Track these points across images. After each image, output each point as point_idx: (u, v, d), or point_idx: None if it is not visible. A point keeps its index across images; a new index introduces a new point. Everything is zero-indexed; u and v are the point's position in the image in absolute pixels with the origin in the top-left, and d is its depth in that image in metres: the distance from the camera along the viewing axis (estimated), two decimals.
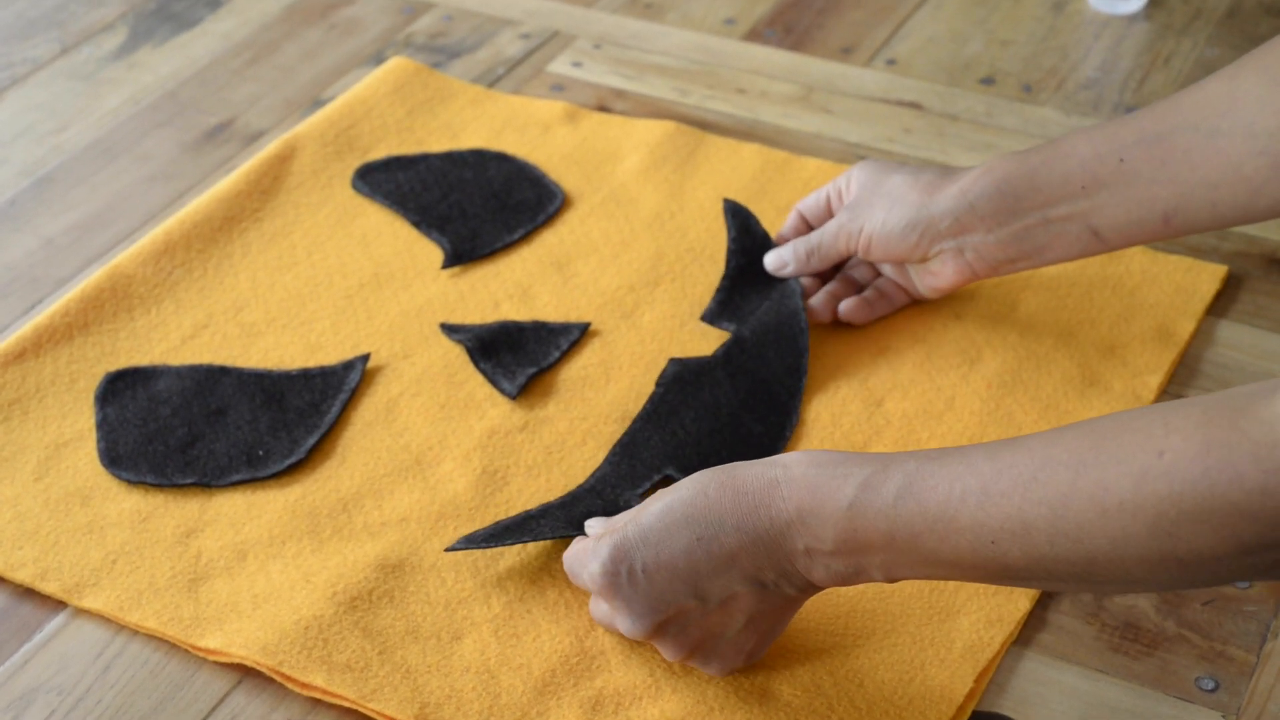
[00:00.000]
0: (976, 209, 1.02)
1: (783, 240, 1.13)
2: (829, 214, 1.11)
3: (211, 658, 0.90)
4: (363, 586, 0.93)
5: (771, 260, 1.12)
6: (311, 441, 1.02)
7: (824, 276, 1.12)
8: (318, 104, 1.35)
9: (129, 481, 1.00)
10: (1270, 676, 0.88)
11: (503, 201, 1.21)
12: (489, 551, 0.95)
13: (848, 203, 1.08)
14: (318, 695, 0.88)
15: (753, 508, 0.81)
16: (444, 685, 0.88)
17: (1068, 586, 0.75)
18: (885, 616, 0.91)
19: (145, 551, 0.96)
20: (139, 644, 0.92)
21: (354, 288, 1.15)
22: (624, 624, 0.85)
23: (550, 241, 1.19)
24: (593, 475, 0.99)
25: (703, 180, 1.23)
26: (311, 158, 1.26)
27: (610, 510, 0.95)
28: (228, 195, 1.21)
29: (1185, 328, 1.09)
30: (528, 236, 1.19)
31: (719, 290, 1.12)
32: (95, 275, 1.14)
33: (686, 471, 0.96)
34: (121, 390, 1.06)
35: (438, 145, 1.28)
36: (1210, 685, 0.88)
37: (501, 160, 1.25)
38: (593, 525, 0.90)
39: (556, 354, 1.08)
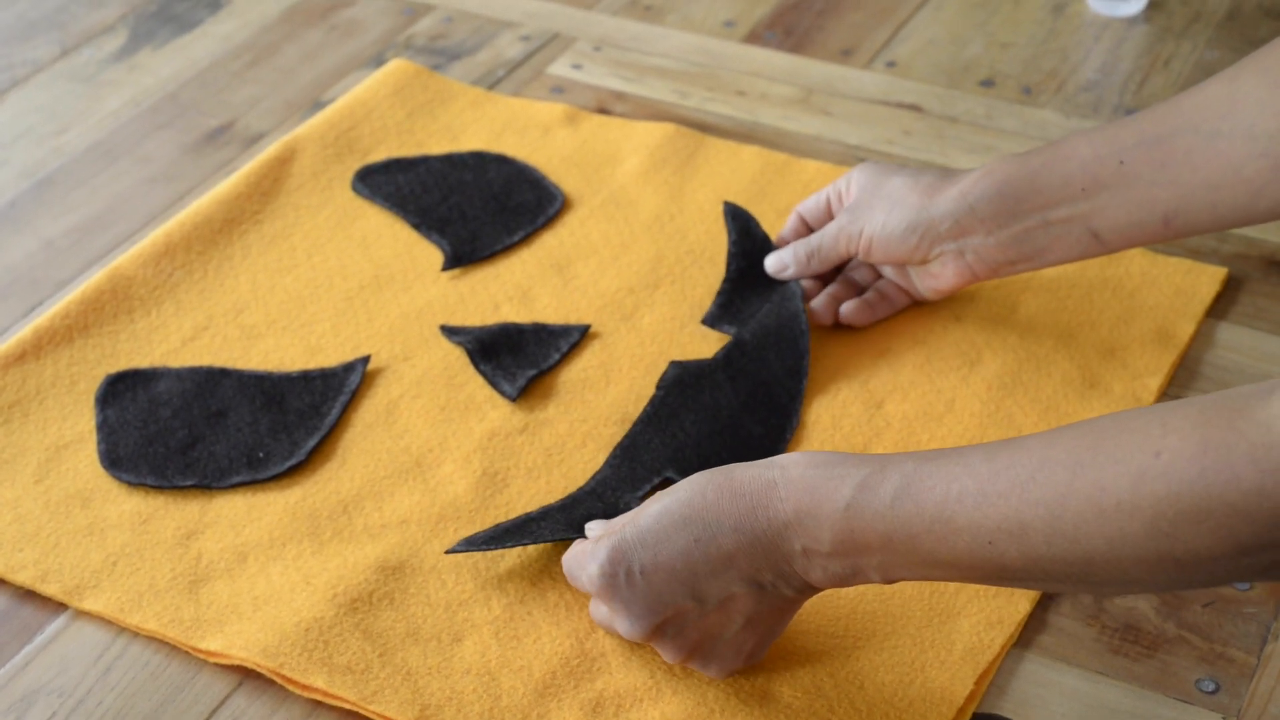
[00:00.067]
0: (977, 211, 1.02)
1: (783, 243, 1.13)
2: (829, 216, 1.11)
3: (212, 660, 0.90)
4: (363, 588, 0.93)
5: (772, 263, 1.12)
6: (312, 443, 1.02)
7: (824, 279, 1.12)
8: (318, 106, 1.35)
9: (129, 483, 1.00)
10: (1270, 678, 0.88)
11: (503, 204, 1.21)
12: (489, 554, 0.95)
13: (848, 205, 1.08)
14: (318, 697, 0.88)
15: (750, 509, 0.81)
16: (445, 687, 0.88)
17: (1066, 587, 0.76)
18: (885, 618, 0.91)
19: (146, 553, 0.96)
20: (139, 646, 0.92)
21: (354, 290, 1.15)
22: (623, 625, 0.85)
23: (550, 244, 1.19)
24: (593, 478, 0.99)
25: (702, 182, 1.23)
26: (312, 160, 1.26)
27: (610, 513, 0.95)
28: (228, 197, 1.21)
29: (1185, 330, 1.09)
30: (528, 239, 1.19)
31: (720, 293, 1.12)
32: (95, 277, 1.14)
33: (687, 474, 0.96)
34: (122, 392, 1.06)
35: (438, 147, 1.28)
36: (1210, 687, 0.88)
37: (501, 162, 1.26)
38: (593, 528, 0.90)
39: (556, 356, 1.08)
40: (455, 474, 1.00)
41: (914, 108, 1.33)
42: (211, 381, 1.07)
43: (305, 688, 0.88)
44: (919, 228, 1.04)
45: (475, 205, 1.21)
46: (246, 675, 0.90)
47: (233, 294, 1.14)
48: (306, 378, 1.07)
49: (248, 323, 1.12)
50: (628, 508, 0.95)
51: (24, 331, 1.10)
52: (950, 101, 1.33)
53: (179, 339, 1.11)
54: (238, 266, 1.17)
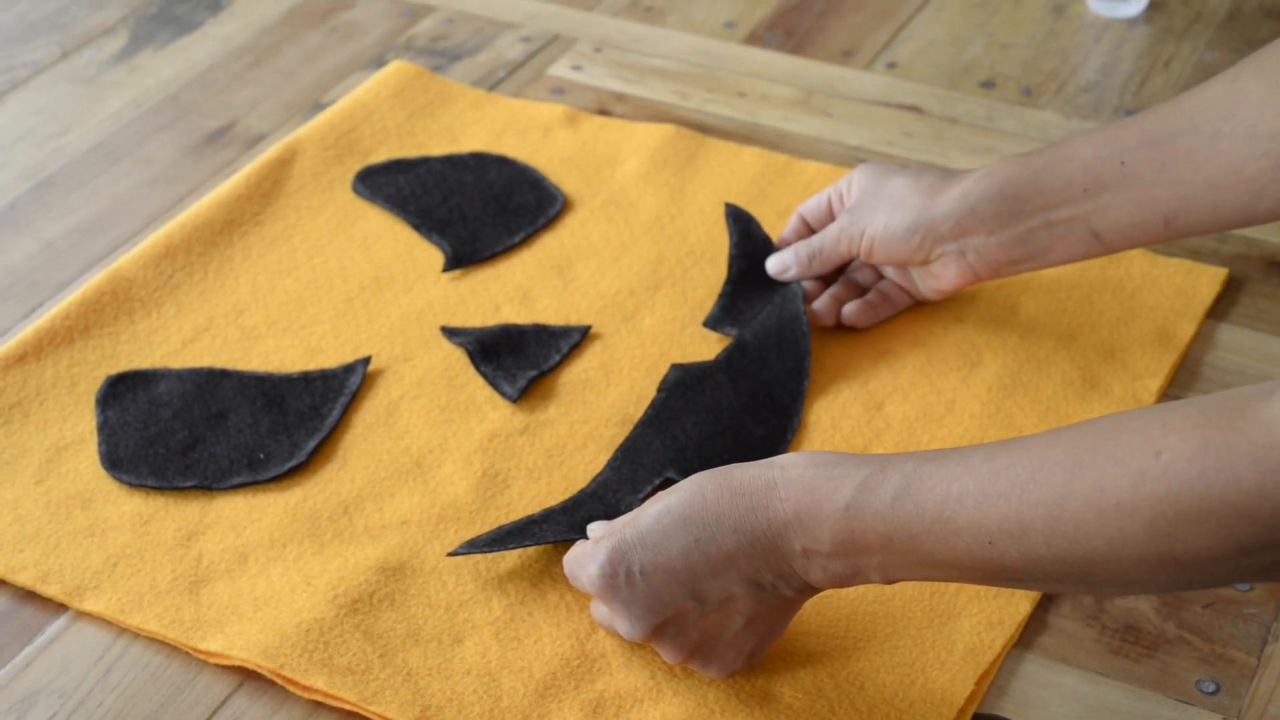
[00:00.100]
0: (978, 212, 1.02)
1: (784, 244, 1.14)
2: (830, 217, 1.11)
3: (213, 660, 0.90)
4: (364, 589, 0.93)
5: (773, 264, 1.12)
6: (312, 444, 1.02)
7: (826, 279, 1.12)
8: (318, 107, 1.35)
9: (130, 484, 1.00)
10: (1271, 679, 0.88)
11: (503, 205, 1.21)
12: (490, 555, 0.95)
13: (849, 206, 1.08)
14: (319, 698, 0.88)
15: (750, 509, 0.81)
16: (445, 688, 0.88)
17: (1066, 588, 0.76)
18: (886, 619, 0.91)
19: (146, 554, 0.96)
20: (140, 647, 0.92)
21: (354, 291, 1.15)
22: (623, 626, 0.85)
23: (551, 245, 1.19)
24: (594, 479, 0.99)
25: (703, 184, 1.23)
26: (312, 161, 1.26)
27: (612, 514, 0.95)
28: (228, 199, 1.21)
29: (1185, 331, 1.09)
30: (528, 240, 1.19)
31: (721, 295, 1.12)
32: (96, 278, 1.14)
33: (688, 474, 0.96)
34: (122, 393, 1.06)
35: (438, 148, 1.28)
36: (1211, 688, 0.88)
37: (502, 163, 1.26)
38: (594, 529, 0.90)
39: (557, 357, 1.08)
40: (456, 475, 1.00)
41: (914, 109, 1.33)
42: (212, 383, 1.07)
43: (306, 689, 0.88)
44: (920, 228, 1.04)
45: (476, 206, 1.21)
46: (247, 676, 0.90)
47: (233, 295, 1.14)
48: (307, 379, 1.07)
49: (248, 324, 1.12)
50: (629, 509, 0.95)
51: (24, 333, 1.10)
52: (950, 103, 1.33)
53: (179, 340, 1.11)
54: (238, 268, 1.17)
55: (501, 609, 0.92)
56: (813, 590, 0.83)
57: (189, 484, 1.00)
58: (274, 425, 1.04)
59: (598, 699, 0.87)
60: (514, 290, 1.15)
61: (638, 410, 1.04)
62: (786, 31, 1.43)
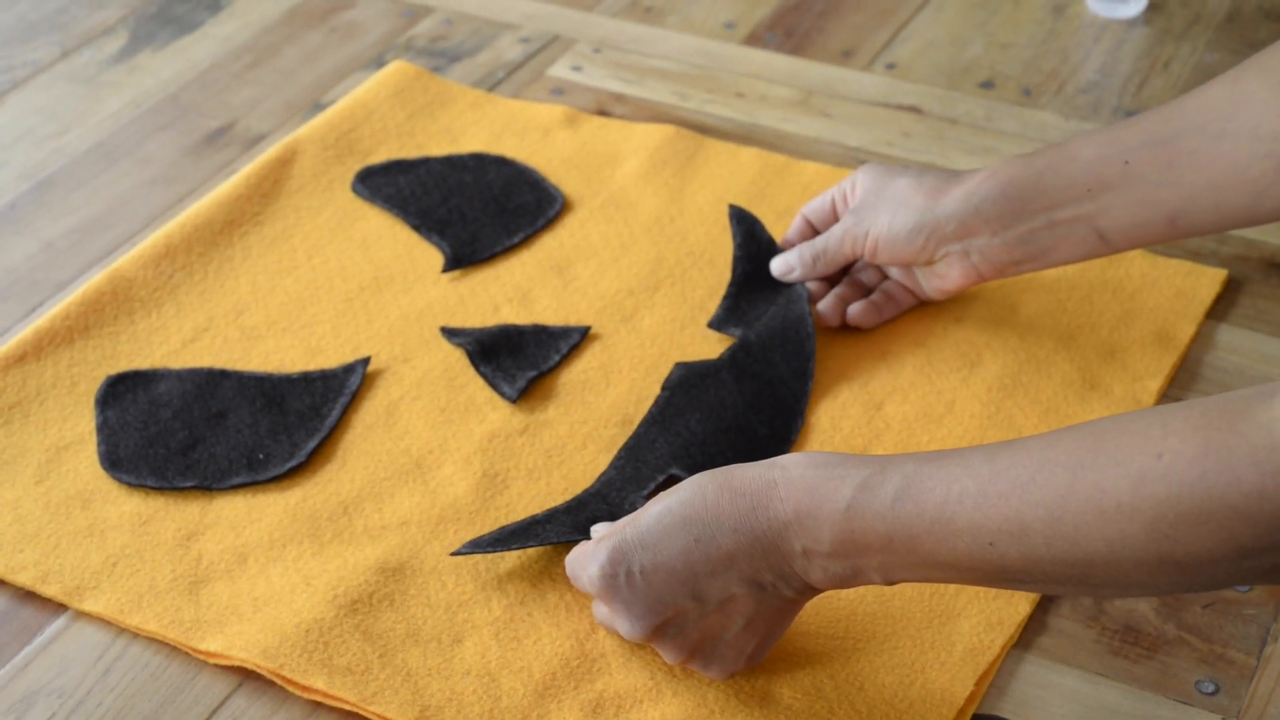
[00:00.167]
0: (982, 212, 1.02)
1: (788, 245, 1.13)
2: (834, 217, 1.11)
3: (212, 660, 0.90)
4: (363, 589, 0.93)
5: (777, 265, 1.12)
6: (312, 445, 1.02)
7: (830, 280, 1.12)
8: (318, 108, 1.35)
9: (129, 484, 1.00)
10: (1270, 680, 0.88)
11: (503, 205, 1.21)
12: (489, 555, 0.95)
13: (853, 206, 1.08)
14: (318, 698, 0.88)
15: (750, 509, 0.81)
16: (445, 688, 0.88)
17: (1066, 589, 0.76)
18: (886, 620, 0.91)
19: (146, 554, 0.96)
20: (139, 647, 0.92)
21: (354, 291, 1.15)
22: (623, 626, 0.85)
23: (550, 245, 1.19)
24: (598, 479, 0.99)
25: (702, 184, 1.23)
26: (312, 161, 1.26)
27: (616, 514, 0.95)
28: (228, 199, 1.21)
29: (1185, 331, 1.09)
30: (528, 240, 1.19)
31: (726, 296, 1.12)
32: (96, 278, 1.14)
33: (692, 471, 0.96)
34: (122, 393, 1.06)
35: (438, 149, 1.28)
36: (1210, 688, 0.88)
37: (501, 164, 1.26)
38: (598, 530, 0.90)
39: (556, 357, 1.08)
40: (455, 475, 1.00)
41: (914, 109, 1.33)
42: (212, 383, 1.07)
43: (305, 689, 0.88)
44: (924, 229, 1.04)
45: (475, 207, 1.21)
46: (246, 676, 0.90)
47: (233, 295, 1.14)
48: (307, 379, 1.07)
49: (248, 324, 1.12)
50: (633, 508, 0.95)
51: (24, 332, 1.10)
52: (950, 103, 1.33)
53: (179, 340, 1.11)
54: (238, 268, 1.17)
55: (501, 609, 0.92)
56: (813, 591, 0.83)
57: (189, 484, 1.00)
58: (274, 425, 1.04)
59: (597, 699, 0.87)
60: (513, 291, 1.15)
61: (637, 410, 1.04)
62: (786, 32, 1.43)
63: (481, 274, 1.16)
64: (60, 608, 0.94)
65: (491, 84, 1.37)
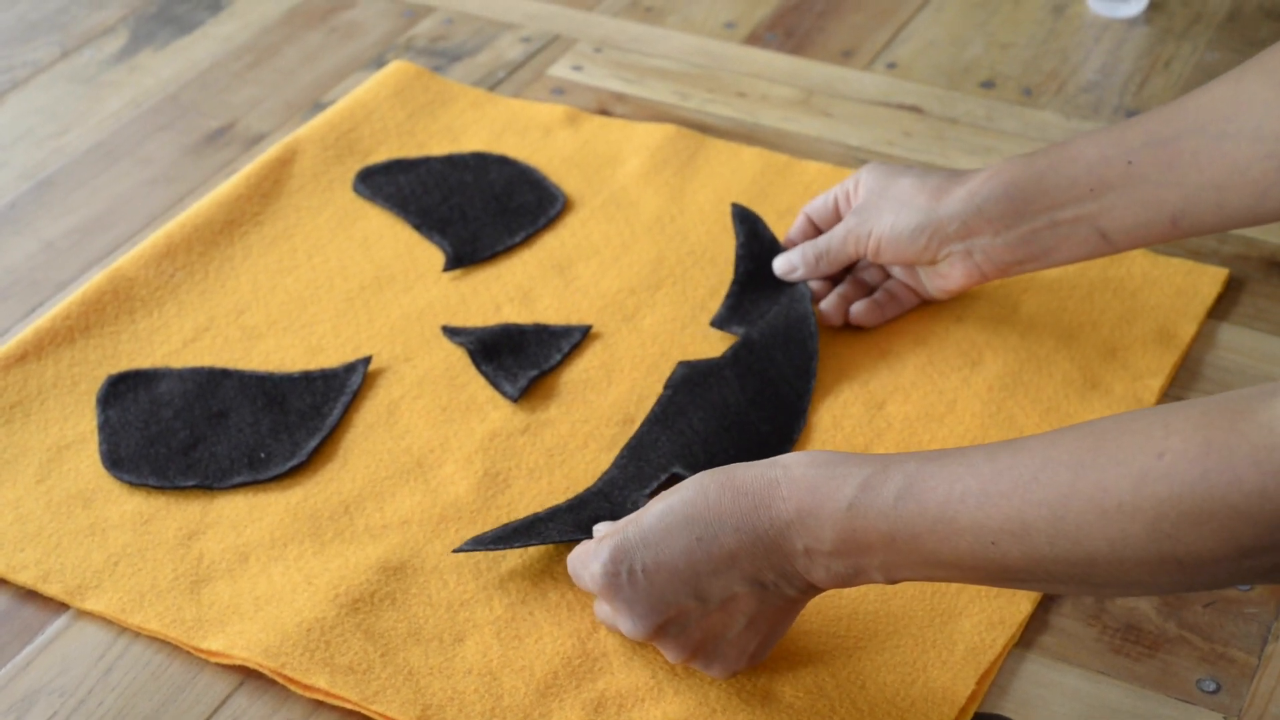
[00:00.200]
0: (984, 212, 1.02)
1: (790, 243, 1.14)
2: (837, 217, 1.11)
3: (213, 660, 0.90)
4: (365, 589, 0.93)
5: (780, 265, 1.12)
6: (313, 444, 1.02)
7: (833, 279, 1.12)
8: (318, 107, 1.35)
9: (131, 484, 1.00)
10: (1271, 678, 0.88)
11: (504, 204, 1.21)
12: (491, 554, 0.95)
13: (855, 206, 1.08)
14: (320, 697, 0.88)
15: (752, 508, 0.81)
16: (446, 687, 0.88)
17: (1068, 588, 0.76)
18: (887, 619, 0.91)
19: (147, 554, 0.96)
20: (141, 646, 0.92)
21: (355, 290, 1.15)
22: (625, 625, 0.85)
23: (551, 244, 1.19)
24: (601, 478, 0.99)
25: (703, 184, 1.23)
26: (312, 161, 1.26)
27: (618, 513, 0.95)
28: (229, 198, 1.21)
29: (1186, 330, 1.09)
30: (529, 239, 1.19)
31: (728, 295, 1.12)
32: (96, 278, 1.14)
33: (694, 470, 0.96)
34: (123, 393, 1.06)
35: (439, 148, 1.28)
36: (1211, 687, 0.88)
37: (502, 163, 1.26)
38: (600, 529, 0.90)
39: (558, 357, 1.08)
40: (457, 474, 1.00)
41: (914, 109, 1.33)
42: (213, 382, 1.07)
43: (307, 688, 0.88)
44: (927, 229, 1.04)
45: (476, 206, 1.21)
46: (248, 675, 0.90)
47: (234, 295, 1.14)
48: (308, 378, 1.07)
49: (249, 323, 1.12)
50: (635, 507, 0.95)
51: (25, 332, 1.10)
52: (951, 103, 1.33)
53: (180, 340, 1.11)
54: (239, 267, 1.17)
55: (503, 608, 0.92)
56: (815, 590, 0.83)
57: (190, 483, 1.00)
58: (275, 425, 1.04)
59: (599, 698, 0.87)
60: (515, 290, 1.15)
61: (639, 409, 1.04)
62: (786, 32, 1.43)
63: (483, 273, 1.16)
64: (61, 607, 0.94)
65: (492, 84, 1.37)
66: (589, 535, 0.92)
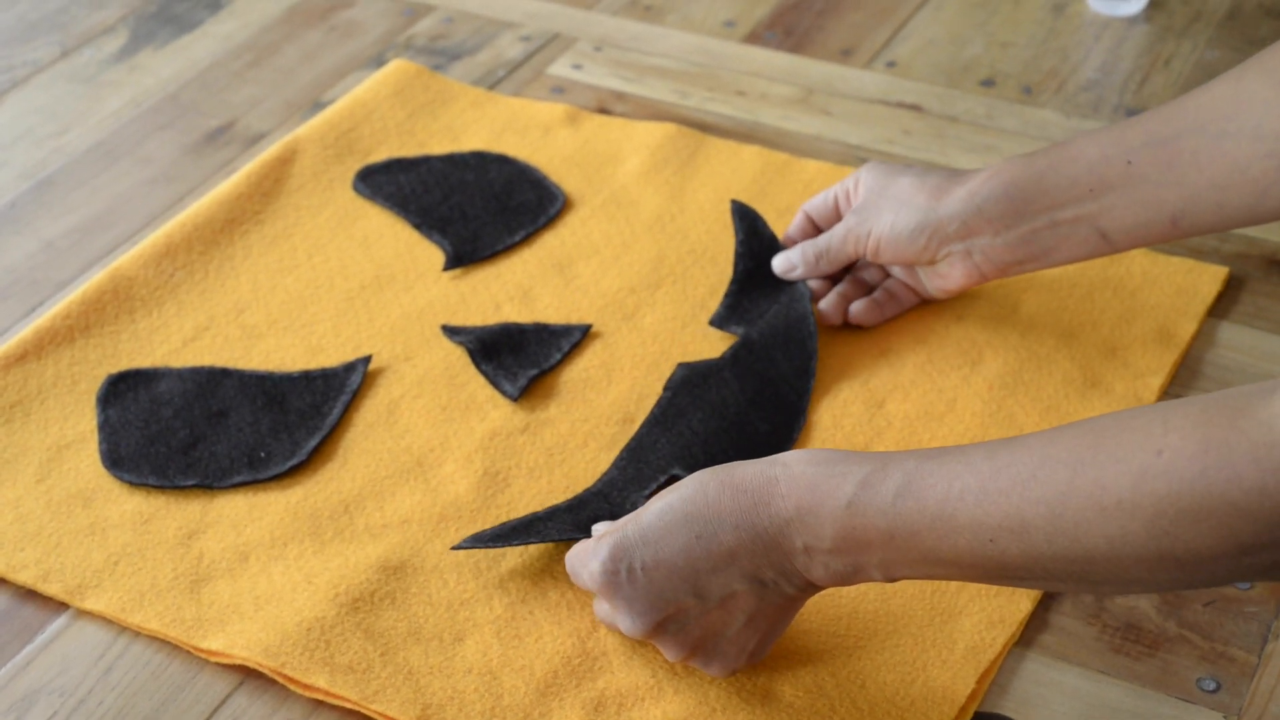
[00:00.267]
0: (984, 212, 1.02)
1: (790, 242, 1.13)
2: (836, 215, 1.11)
3: (213, 659, 0.90)
4: (365, 588, 0.93)
5: (780, 263, 1.12)
6: (313, 443, 1.02)
7: (833, 278, 1.12)
8: (318, 106, 1.35)
9: (131, 483, 1.00)
10: (1271, 677, 0.88)
11: (504, 203, 1.21)
12: (491, 553, 0.95)
13: (855, 206, 1.08)
14: (320, 696, 0.88)
15: (752, 505, 0.81)
16: (446, 686, 0.88)
17: (1067, 586, 0.76)
18: (887, 618, 0.91)
19: (147, 553, 0.96)
20: (141, 645, 0.92)
21: (355, 290, 1.15)
22: (624, 623, 0.85)
23: (551, 243, 1.19)
24: (601, 478, 0.99)
25: (703, 182, 1.23)
26: (312, 160, 1.26)
27: (617, 513, 0.95)
28: (229, 198, 1.21)
29: (1186, 329, 1.09)
30: (529, 238, 1.19)
31: (727, 294, 1.12)
32: (96, 277, 1.14)
33: (693, 470, 0.96)
34: (123, 392, 1.06)
35: (439, 147, 1.28)
36: (1211, 686, 0.88)
37: (502, 162, 1.26)
38: (599, 529, 0.90)
39: (558, 356, 1.08)
40: (456, 474, 1.00)
41: (914, 107, 1.33)
42: (213, 381, 1.07)
43: (307, 687, 0.88)
44: (927, 229, 1.04)
45: (476, 205, 1.21)
46: (248, 675, 0.90)
47: (234, 294, 1.14)
48: (308, 378, 1.07)
49: (249, 323, 1.12)
50: (634, 508, 0.95)
51: (25, 332, 1.10)
52: (950, 101, 1.33)
53: (180, 339, 1.11)
54: (239, 267, 1.17)
55: (503, 607, 0.92)
56: (814, 588, 0.83)
57: (190, 483, 1.00)
58: (275, 424, 1.04)
59: (599, 697, 0.87)
60: (515, 289, 1.15)
61: (639, 409, 1.04)
62: (786, 30, 1.43)
63: (482, 272, 1.16)
64: (61, 606, 0.94)
65: (492, 82, 1.37)
66: (588, 535, 0.92)
